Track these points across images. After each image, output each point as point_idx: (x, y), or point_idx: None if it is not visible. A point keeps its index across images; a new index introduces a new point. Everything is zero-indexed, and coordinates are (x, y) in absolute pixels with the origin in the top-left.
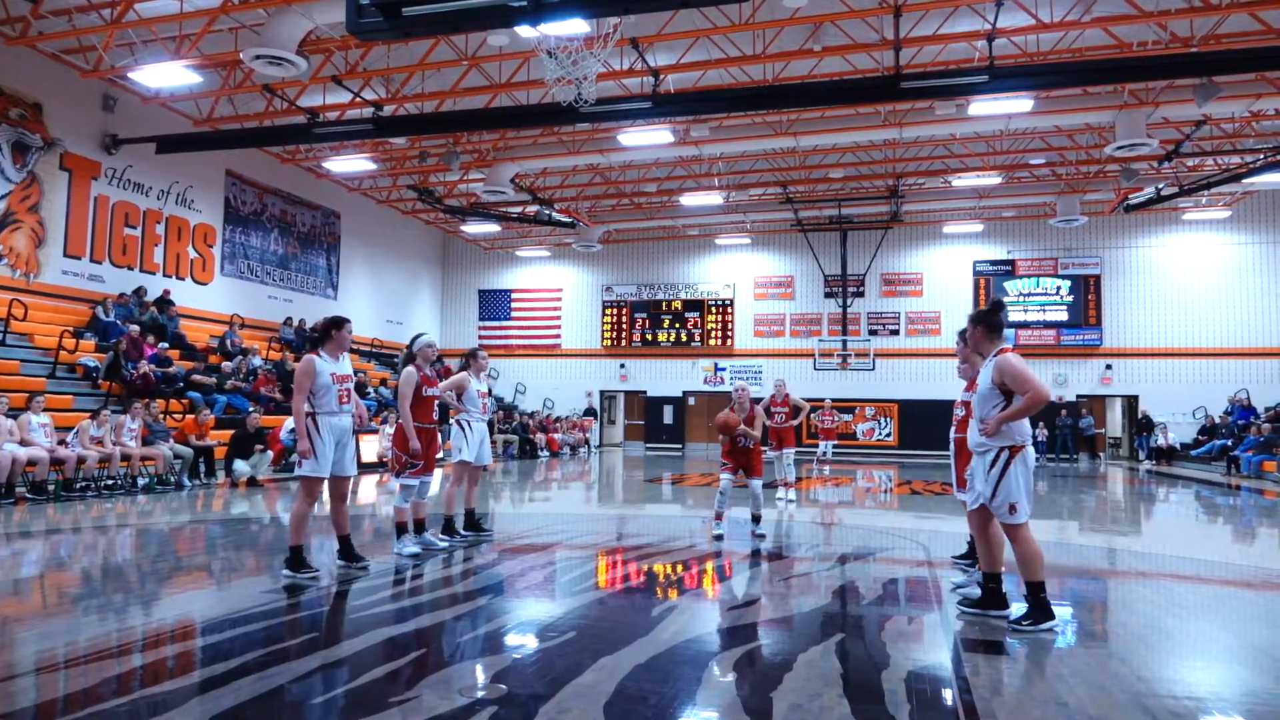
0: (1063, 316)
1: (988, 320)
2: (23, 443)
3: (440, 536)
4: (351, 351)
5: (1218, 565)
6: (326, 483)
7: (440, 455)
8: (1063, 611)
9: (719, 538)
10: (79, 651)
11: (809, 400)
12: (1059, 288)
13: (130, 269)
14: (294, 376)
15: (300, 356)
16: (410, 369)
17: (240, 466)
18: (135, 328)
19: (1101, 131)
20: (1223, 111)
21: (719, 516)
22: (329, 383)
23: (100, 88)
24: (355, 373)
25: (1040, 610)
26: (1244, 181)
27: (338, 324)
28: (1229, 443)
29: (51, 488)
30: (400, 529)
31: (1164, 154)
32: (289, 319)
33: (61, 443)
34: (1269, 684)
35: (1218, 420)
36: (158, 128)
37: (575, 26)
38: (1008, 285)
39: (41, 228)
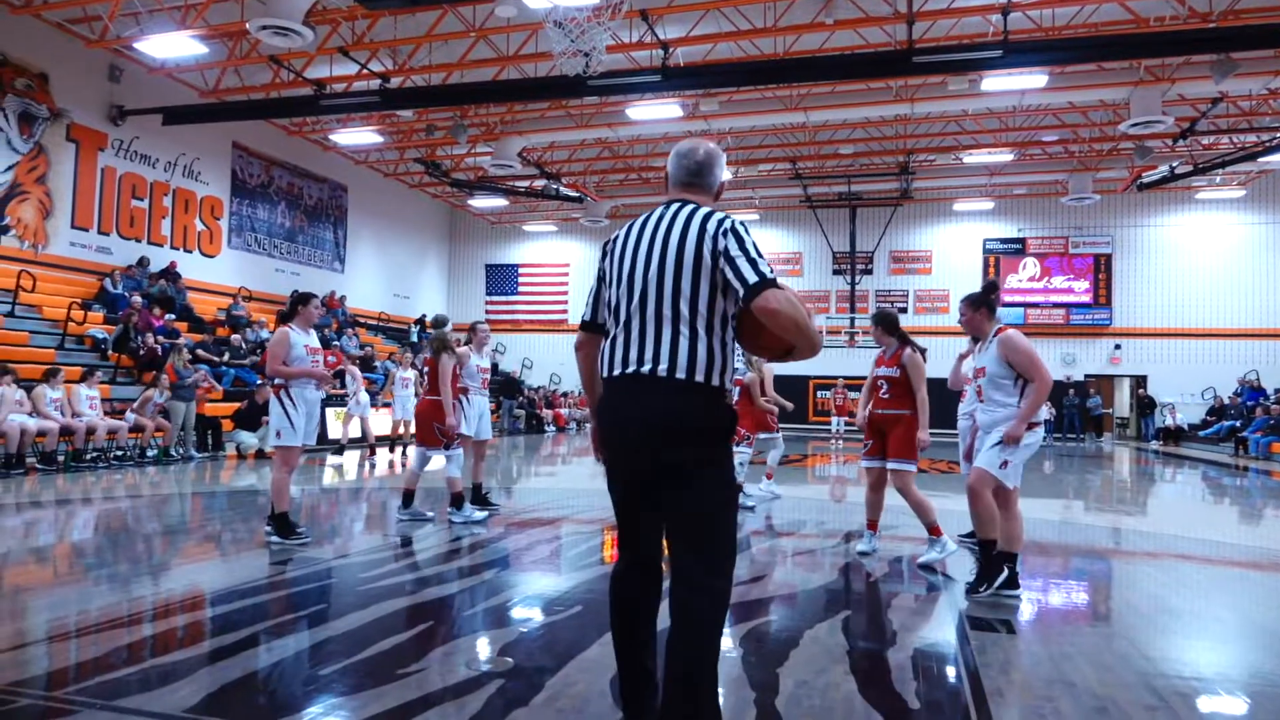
0: (1072, 296)
1: (987, 302)
2: (37, 413)
3: (440, 510)
4: (359, 325)
5: (1224, 546)
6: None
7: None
8: (1069, 592)
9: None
10: (89, 621)
11: (815, 380)
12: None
13: (138, 241)
14: (268, 347)
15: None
16: (447, 356)
17: (246, 439)
18: (138, 299)
19: (1116, 108)
20: (1240, 89)
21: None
22: (303, 354)
23: (106, 58)
24: (363, 346)
25: (1005, 579)
26: (1259, 160)
27: (305, 299)
28: (1237, 424)
29: (61, 459)
30: (459, 499)
31: (1179, 132)
32: (295, 292)
33: (75, 415)
34: (1275, 665)
35: (1226, 401)
36: (164, 99)
37: None
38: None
39: (49, 199)
